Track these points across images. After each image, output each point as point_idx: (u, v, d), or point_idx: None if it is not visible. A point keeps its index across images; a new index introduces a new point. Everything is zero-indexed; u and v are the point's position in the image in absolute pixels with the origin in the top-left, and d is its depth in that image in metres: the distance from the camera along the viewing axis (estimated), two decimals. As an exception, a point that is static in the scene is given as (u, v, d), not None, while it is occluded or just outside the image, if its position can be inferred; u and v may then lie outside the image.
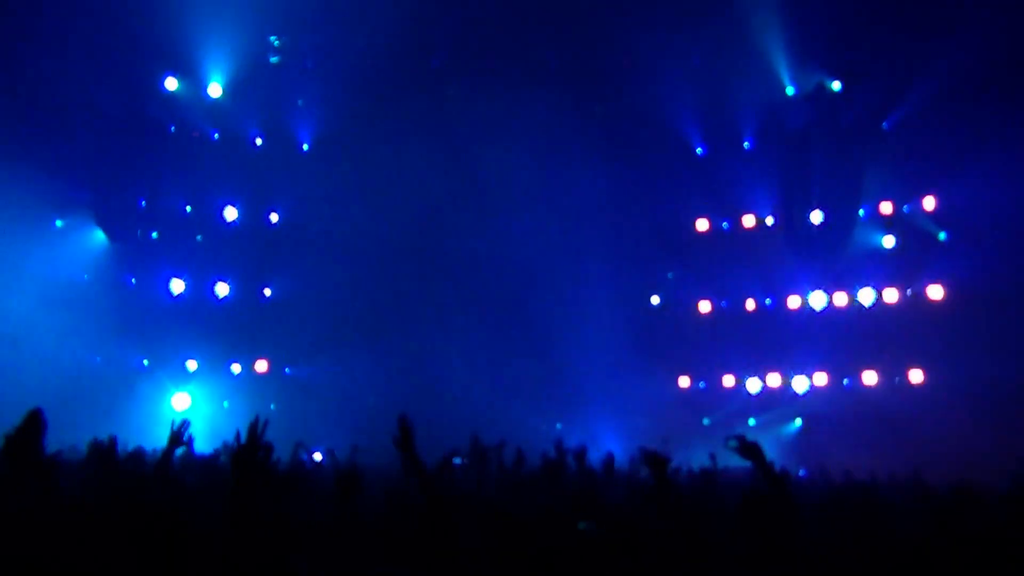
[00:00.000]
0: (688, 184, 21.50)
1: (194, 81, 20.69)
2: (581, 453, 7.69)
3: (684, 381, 21.32)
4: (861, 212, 19.98)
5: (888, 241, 19.92)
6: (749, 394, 20.66)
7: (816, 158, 19.82)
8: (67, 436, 9.36)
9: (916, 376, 19.00)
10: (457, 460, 6.64)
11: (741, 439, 4.37)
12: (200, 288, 21.88)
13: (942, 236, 19.46)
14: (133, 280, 21.34)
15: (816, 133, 19.88)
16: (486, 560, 3.85)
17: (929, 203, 19.39)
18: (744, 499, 4.22)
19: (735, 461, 4.55)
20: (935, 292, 19.07)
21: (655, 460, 3.98)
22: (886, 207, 19.88)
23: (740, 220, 21.48)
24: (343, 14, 19.41)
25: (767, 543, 3.83)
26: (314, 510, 4.74)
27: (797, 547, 3.80)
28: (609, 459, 8.38)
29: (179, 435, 4.65)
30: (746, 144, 21.07)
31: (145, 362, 21.03)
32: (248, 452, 3.21)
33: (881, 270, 19.86)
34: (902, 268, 19.64)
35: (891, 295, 19.68)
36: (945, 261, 18.90)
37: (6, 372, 16.21)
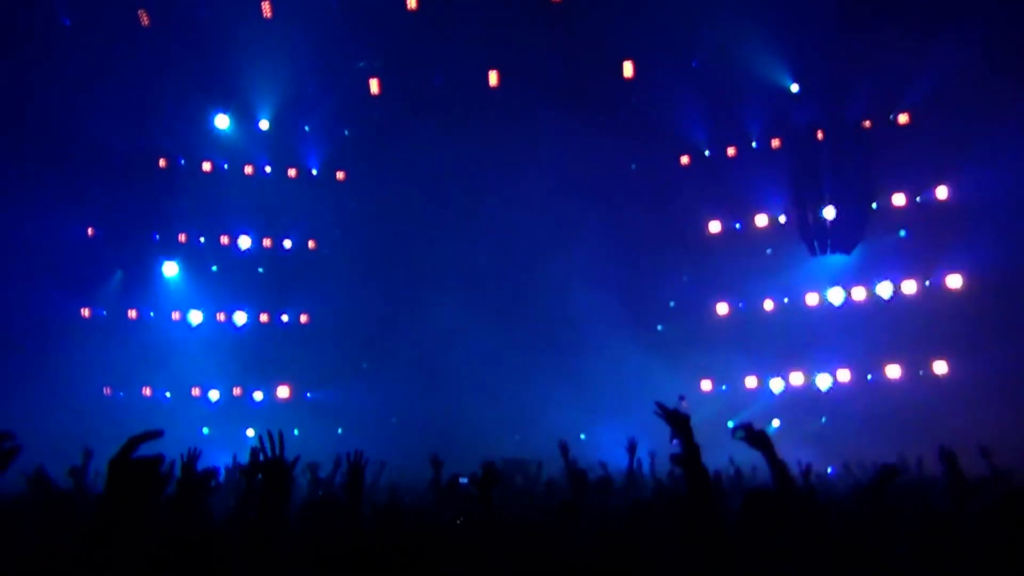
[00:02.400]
0: (698, 186, 21.46)
1: (201, 112, 20.84)
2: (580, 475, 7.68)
3: (706, 384, 21.19)
4: (874, 205, 19.83)
5: (903, 232, 19.75)
6: (772, 394, 20.51)
7: (825, 153, 19.71)
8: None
9: (940, 367, 18.79)
10: (463, 480, 6.64)
11: (748, 428, 4.29)
12: (218, 317, 21.99)
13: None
14: (152, 313, 21.47)
15: (824, 128, 19.77)
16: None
17: (942, 192, 19.22)
18: (748, 495, 4.13)
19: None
20: (954, 282, 18.88)
21: (676, 417, 3.78)
22: (899, 199, 19.73)
23: (752, 220, 21.40)
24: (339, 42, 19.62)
25: (771, 537, 3.73)
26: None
27: (809, 542, 3.71)
28: (631, 446, 8.36)
29: (192, 464, 4.58)
30: (754, 143, 21.01)
31: (167, 394, 21.13)
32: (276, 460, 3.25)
33: (898, 262, 19.67)
34: (919, 259, 19.44)
35: (910, 287, 19.50)
36: (962, 250, 18.70)
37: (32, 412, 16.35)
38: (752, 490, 4.38)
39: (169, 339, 21.22)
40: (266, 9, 19.30)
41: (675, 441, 3.74)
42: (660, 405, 3.81)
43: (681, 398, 14.50)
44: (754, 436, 4.27)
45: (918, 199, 19.61)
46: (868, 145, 19.58)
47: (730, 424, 19.88)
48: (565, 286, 20.13)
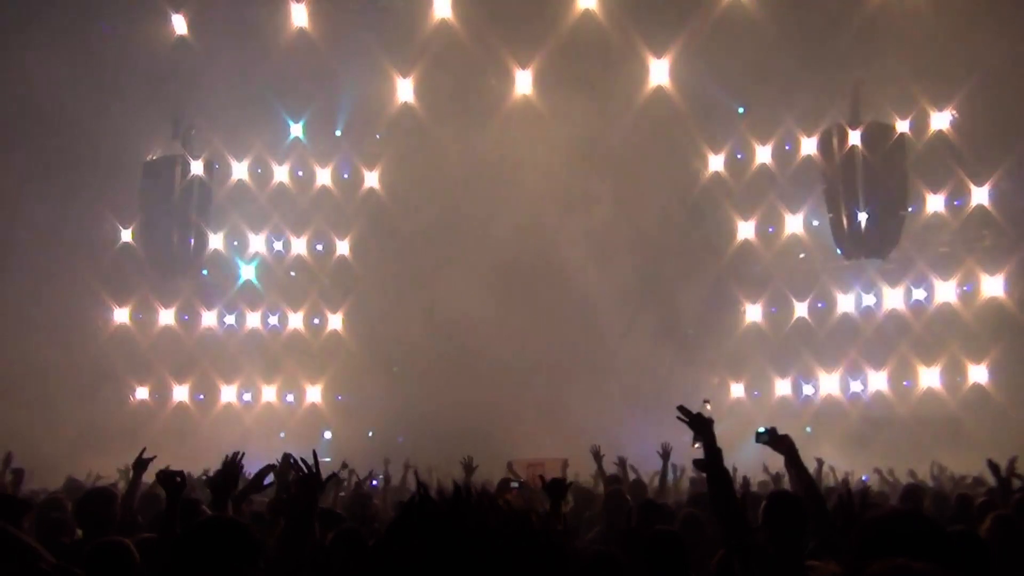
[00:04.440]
0: (731, 189, 21.28)
1: (235, 118, 21.06)
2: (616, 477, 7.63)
3: (738, 389, 21.00)
4: (910, 208, 19.54)
5: (940, 237, 19.42)
6: (805, 400, 20.28)
7: (860, 155, 19.44)
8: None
9: (977, 374, 18.45)
10: (515, 484, 6.64)
11: (772, 432, 4.26)
12: (250, 321, 22.22)
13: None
14: (186, 316, 21.76)
15: (859, 129, 19.52)
16: None
17: (980, 196, 18.86)
18: (770, 497, 4.10)
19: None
20: (991, 287, 18.54)
21: (699, 421, 3.77)
22: (935, 202, 19.40)
23: (785, 223, 21.16)
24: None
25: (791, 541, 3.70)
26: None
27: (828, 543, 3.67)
28: (665, 452, 8.30)
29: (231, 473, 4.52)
30: (787, 146, 20.79)
31: (200, 396, 21.40)
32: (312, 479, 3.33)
33: (934, 267, 19.37)
34: (956, 264, 19.12)
35: (946, 292, 19.17)
36: (1000, 255, 18.38)
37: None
38: (773, 493, 4.37)
39: (201, 342, 21.50)
40: (298, 16, 19.52)
41: (697, 445, 3.73)
42: (683, 409, 3.81)
43: (705, 402, 14.33)
44: (778, 440, 4.24)
45: (956, 203, 19.27)
46: (904, 147, 19.29)
47: (760, 430, 19.66)
48: (596, 290, 20.06)
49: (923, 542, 2.34)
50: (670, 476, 8.99)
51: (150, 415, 20.02)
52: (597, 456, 8.63)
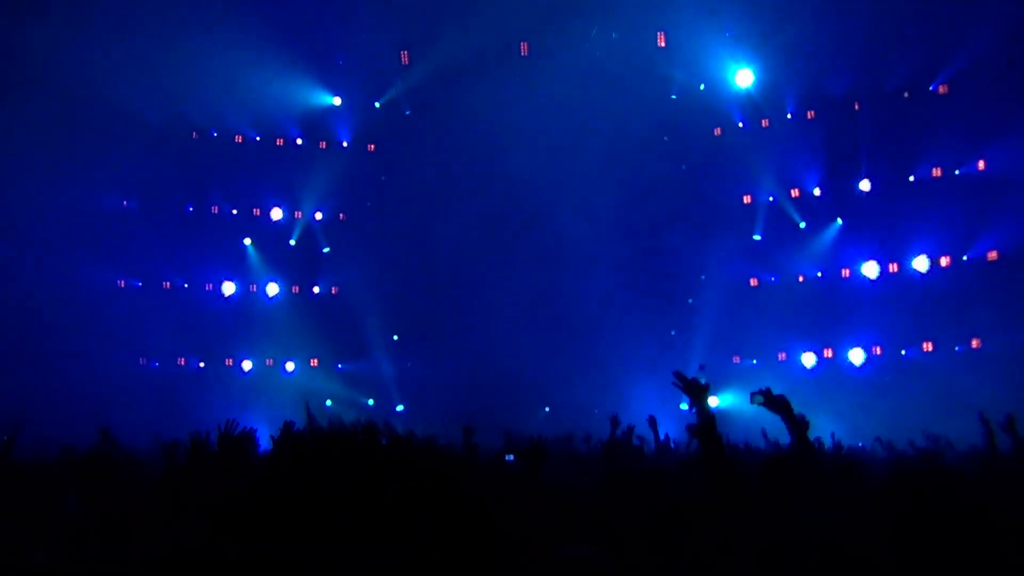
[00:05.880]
0: (731, 158, 21.16)
1: (233, 84, 20.88)
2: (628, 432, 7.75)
3: (737, 358, 21.04)
4: (911, 177, 19.45)
5: (941, 205, 19.34)
6: (804, 369, 20.33)
7: (862, 124, 19.33)
8: (131, 439, 9.56)
9: (978, 343, 18.48)
10: (510, 458, 6.65)
11: (767, 393, 4.28)
12: (251, 289, 22.21)
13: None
14: (186, 284, 21.74)
15: (861, 99, 19.38)
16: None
17: (982, 165, 18.76)
18: (767, 459, 4.13)
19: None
20: (990, 255, 18.49)
21: (694, 387, 3.77)
22: (937, 171, 19.29)
23: (786, 192, 21.06)
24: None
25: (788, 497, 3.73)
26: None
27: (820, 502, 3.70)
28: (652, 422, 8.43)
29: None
30: (789, 114, 20.63)
31: (201, 364, 21.45)
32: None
33: (935, 236, 19.31)
34: (957, 233, 19.06)
35: (947, 261, 19.14)
36: (1001, 224, 18.32)
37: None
38: (771, 455, 4.41)
39: (203, 310, 21.51)
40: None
41: (693, 409, 3.74)
42: (678, 374, 3.81)
43: (701, 367, 14.38)
44: (773, 400, 4.26)
45: (957, 172, 19.17)
46: (906, 116, 19.16)
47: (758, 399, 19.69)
48: (596, 259, 20.04)
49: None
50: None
51: (153, 383, 20.03)
52: (614, 423, 8.63)
